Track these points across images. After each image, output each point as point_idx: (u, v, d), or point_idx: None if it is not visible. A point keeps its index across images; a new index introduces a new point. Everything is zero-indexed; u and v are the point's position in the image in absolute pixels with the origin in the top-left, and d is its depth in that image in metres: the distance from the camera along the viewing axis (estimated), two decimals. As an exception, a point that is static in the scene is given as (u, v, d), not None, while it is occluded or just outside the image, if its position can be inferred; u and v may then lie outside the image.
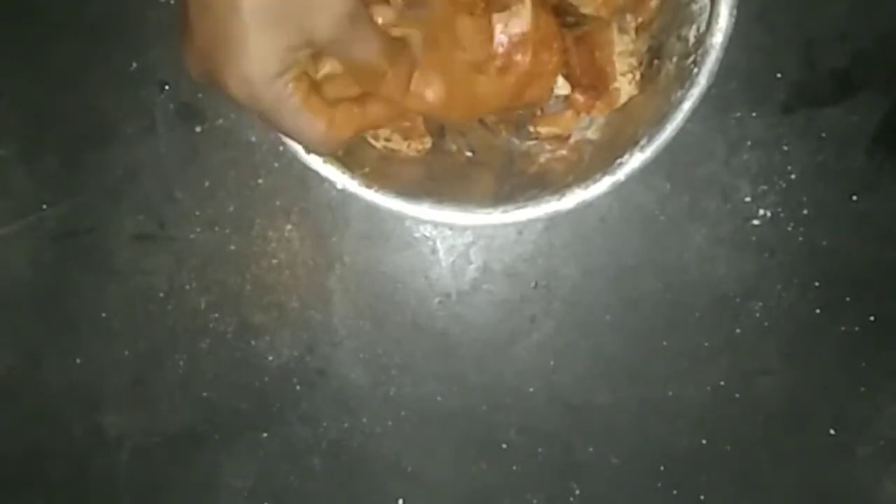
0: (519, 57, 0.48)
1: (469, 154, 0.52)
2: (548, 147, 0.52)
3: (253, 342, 0.58)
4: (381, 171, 0.48)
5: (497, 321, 0.58)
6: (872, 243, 0.59)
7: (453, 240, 0.58)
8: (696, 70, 0.46)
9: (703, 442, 0.59)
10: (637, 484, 0.59)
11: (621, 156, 0.46)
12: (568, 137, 0.51)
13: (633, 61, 0.51)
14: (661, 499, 0.59)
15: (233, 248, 0.58)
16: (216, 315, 0.58)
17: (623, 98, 0.51)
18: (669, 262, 0.58)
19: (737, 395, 0.59)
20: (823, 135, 0.58)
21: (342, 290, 0.58)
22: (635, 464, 0.59)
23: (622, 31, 0.51)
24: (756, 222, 0.58)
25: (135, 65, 0.57)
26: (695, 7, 0.47)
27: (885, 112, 0.58)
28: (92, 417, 0.58)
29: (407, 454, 0.59)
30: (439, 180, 0.49)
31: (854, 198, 0.58)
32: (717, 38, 0.46)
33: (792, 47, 0.58)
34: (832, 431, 0.59)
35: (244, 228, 0.58)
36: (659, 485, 0.59)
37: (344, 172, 0.46)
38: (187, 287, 0.58)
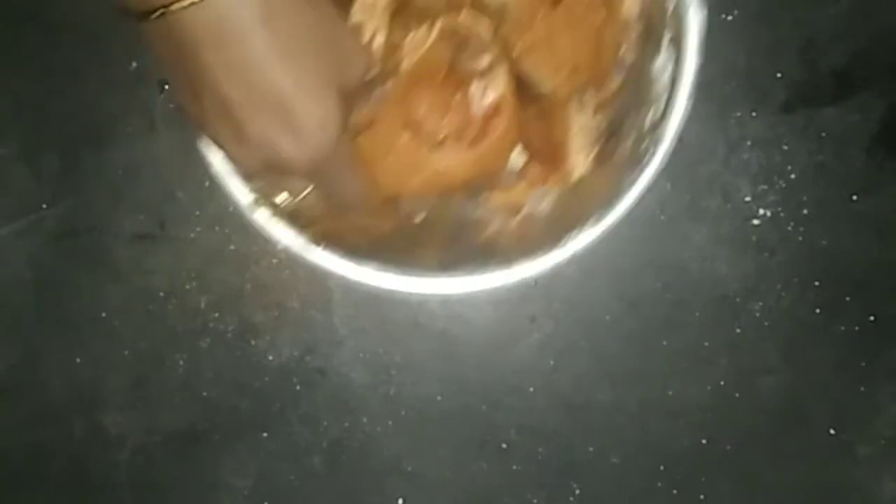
0: (494, 124, 0.48)
1: (420, 217, 0.52)
2: (499, 217, 0.52)
3: (253, 342, 0.58)
4: (332, 228, 0.47)
5: (497, 321, 0.58)
6: (872, 243, 0.59)
7: (453, 239, 0.58)
8: (649, 154, 0.46)
9: (703, 442, 0.59)
10: (637, 484, 0.59)
11: (569, 232, 0.46)
12: (520, 209, 0.51)
13: (590, 139, 0.51)
14: (661, 499, 0.59)
15: (233, 248, 0.58)
16: (216, 315, 0.58)
17: (577, 174, 0.51)
18: (669, 262, 0.58)
19: (737, 395, 0.59)
20: (823, 135, 0.58)
21: (342, 289, 0.58)
22: (635, 464, 0.59)
23: (581, 109, 0.51)
24: (756, 222, 0.58)
25: (135, 65, 0.57)
26: (654, 90, 0.48)
27: (885, 112, 0.58)
28: (92, 417, 0.58)
29: (407, 454, 0.59)
30: (389, 241, 0.50)
31: (854, 198, 0.58)
32: (673, 124, 0.46)
33: (792, 47, 0.58)
34: (832, 431, 0.59)
35: (244, 228, 0.58)
36: (659, 485, 0.59)
37: (291, 230, 0.46)
38: (187, 287, 0.58)
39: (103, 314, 0.58)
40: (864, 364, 0.59)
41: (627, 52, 0.50)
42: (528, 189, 0.52)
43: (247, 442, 0.59)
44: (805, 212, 0.58)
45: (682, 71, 0.46)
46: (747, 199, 0.58)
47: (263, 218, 0.45)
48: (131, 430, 0.59)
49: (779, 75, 0.58)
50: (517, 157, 0.52)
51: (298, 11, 0.38)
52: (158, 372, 0.58)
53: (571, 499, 0.59)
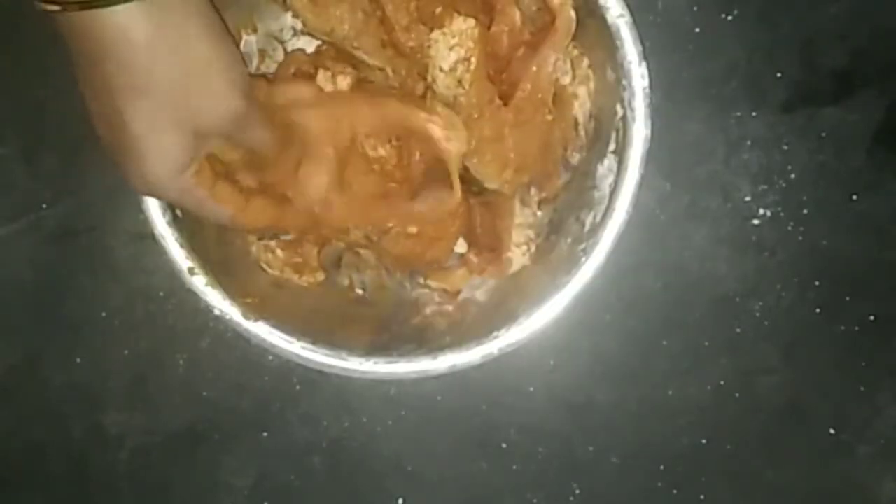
0: (431, 230, 0.49)
1: (360, 292, 0.52)
2: (436, 299, 0.52)
3: (253, 341, 0.58)
4: (268, 299, 0.48)
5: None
6: (872, 243, 0.59)
7: (453, 239, 0.58)
8: (583, 259, 0.46)
9: (703, 442, 0.59)
10: (637, 484, 0.59)
11: (498, 329, 0.46)
12: (457, 294, 0.52)
13: (531, 233, 0.52)
14: (661, 499, 0.59)
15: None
16: (216, 314, 0.58)
17: (515, 267, 0.52)
18: (669, 262, 0.58)
19: (737, 395, 0.59)
20: (823, 134, 0.58)
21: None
22: (635, 463, 0.59)
23: (524, 204, 0.52)
24: (756, 222, 0.58)
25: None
26: (596, 194, 0.48)
27: (885, 112, 0.58)
28: (92, 417, 0.58)
29: (407, 454, 0.59)
30: (325, 316, 0.50)
31: (854, 197, 0.58)
32: (611, 231, 0.46)
33: (792, 47, 0.58)
34: (832, 431, 0.59)
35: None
36: (659, 485, 0.59)
37: (225, 299, 0.47)
38: (187, 287, 0.58)
39: (103, 314, 0.58)
40: (864, 364, 0.59)
41: (574, 154, 0.51)
42: (466, 276, 0.53)
43: (247, 442, 0.59)
44: (805, 212, 0.58)
45: (623, 180, 0.46)
46: (747, 199, 0.58)
47: (199, 284, 0.46)
48: (131, 430, 0.59)
49: (779, 75, 0.58)
50: (460, 244, 0.53)
51: (183, 38, 0.38)
52: (158, 372, 0.58)
53: (571, 499, 0.59)
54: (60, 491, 0.59)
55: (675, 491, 0.59)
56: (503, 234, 0.51)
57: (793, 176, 0.58)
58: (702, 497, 0.59)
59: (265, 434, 0.59)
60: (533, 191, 0.52)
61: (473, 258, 0.53)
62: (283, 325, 0.47)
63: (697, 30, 0.58)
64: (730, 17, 0.58)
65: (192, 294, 0.58)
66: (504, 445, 0.59)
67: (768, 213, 0.58)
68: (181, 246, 0.46)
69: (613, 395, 0.59)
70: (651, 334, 0.59)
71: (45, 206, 0.58)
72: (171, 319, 0.58)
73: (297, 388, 0.59)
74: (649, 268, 0.58)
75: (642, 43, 0.46)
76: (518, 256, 0.51)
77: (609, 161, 0.48)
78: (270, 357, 0.58)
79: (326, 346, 0.47)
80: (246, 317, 0.47)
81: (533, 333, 0.46)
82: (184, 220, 0.47)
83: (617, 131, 0.47)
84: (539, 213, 0.52)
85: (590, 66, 0.49)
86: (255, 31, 0.53)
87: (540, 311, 0.46)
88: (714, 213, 0.58)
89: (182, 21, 0.38)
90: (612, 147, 0.48)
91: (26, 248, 0.58)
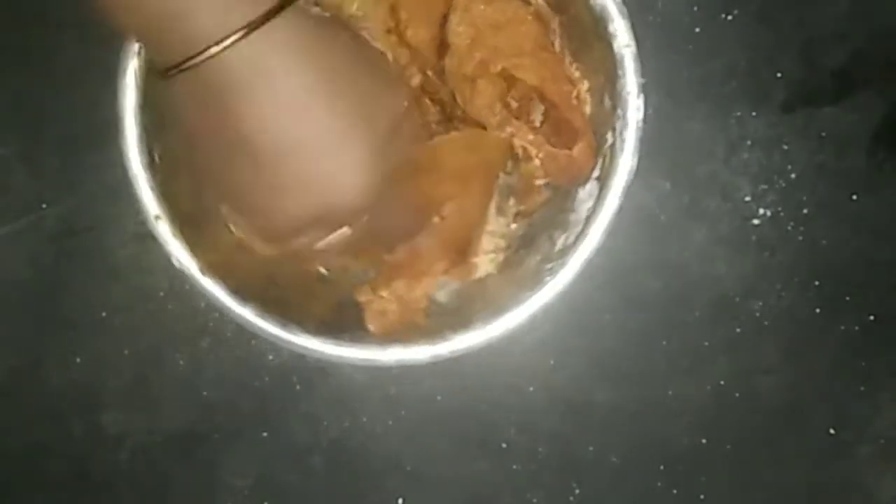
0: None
1: (323, 271, 0.52)
2: (396, 292, 0.51)
3: (253, 341, 0.58)
4: (230, 260, 0.47)
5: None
6: (873, 243, 0.59)
7: (453, 239, 0.58)
8: (548, 278, 0.46)
9: (703, 442, 0.59)
10: (637, 484, 0.59)
11: (452, 331, 0.46)
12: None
13: (502, 243, 0.52)
14: (661, 499, 0.59)
15: (233, 247, 0.58)
16: (216, 314, 0.58)
17: (479, 273, 0.51)
18: (669, 262, 0.58)
19: (737, 395, 0.59)
20: (823, 134, 0.58)
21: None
22: (635, 463, 0.59)
23: (500, 212, 0.52)
24: (756, 222, 0.58)
25: (135, 64, 0.57)
26: (572, 217, 0.48)
27: (885, 112, 0.58)
28: (92, 416, 0.58)
29: (407, 454, 0.59)
30: (283, 287, 0.49)
31: (854, 197, 0.58)
32: (580, 255, 0.46)
33: (792, 47, 0.58)
34: (832, 431, 0.59)
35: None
36: (659, 484, 0.59)
37: (186, 251, 0.46)
38: (187, 286, 0.57)
39: (103, 314, 0.58)
40: (864, 364, 0.59)
41: None
42: (432, 285, 0.52)
43: (247, 442, 0.59)
44: (805, 212, 0.58)
45: (601, 207, 0.46)
46: (747, 199, 0.58)
47: (163, 232, 0.45)
48: (131, 430, 0.59)
49: (779, 75, 0.58)
50: None
51: (329, 49, 0.36)
52: (158, 372, 0.58)
53: (571, 499, 0.59)
54: (60, 491, 0.59)
55: (675, 491, 0.59)
56: (473, 238, 0.51)
57: (793, 176, 0.58)
58: (702, 497, 0.59)
59: (265, 434, 0.59)
60: (511, 201, 0.52)
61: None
62: (238, 287, 0.46)
63: (697, 30, 0.58)
64: (730, 17, 0.58)
65: (192, 294, 0.58)
66: (504, 445, 0.59)
67: (768, 213, 0.58)
68: (151, 190, 0.45)
69: (613, 395, 0.59)
70: (651, 334, 0.59)
71: (45, 206, 0.58)
72: (171, 319, 0.58)
73: (297, 388, 0.59)
74: (649, 268, 0.58)
75: (643, 75, 0.46)
76: (484, 263, 0.51)
77: (591, 186, 0.48)
78: (271, 357, 0.58)
79: (279, 317, 0.46)
80: (203, 273, 0.45)
81: (485, 342, 0.46)
82: (160, 167, 0.45)
83: (604, 158, 0.47)
84: (513, 225, 0.52)
85: (588, 90, 0.49)
86: None
87: (497, 322, 0.46)
88: (714, 213, 0.58)
89: (292, 67, 0.34)
90: (596, 173, 0.48)
91: (26, 248, 0.58)
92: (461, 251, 0.51)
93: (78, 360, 0.58)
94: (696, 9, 0.57)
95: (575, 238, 0.46)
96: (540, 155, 0.49)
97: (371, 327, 0.48)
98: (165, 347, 0.58)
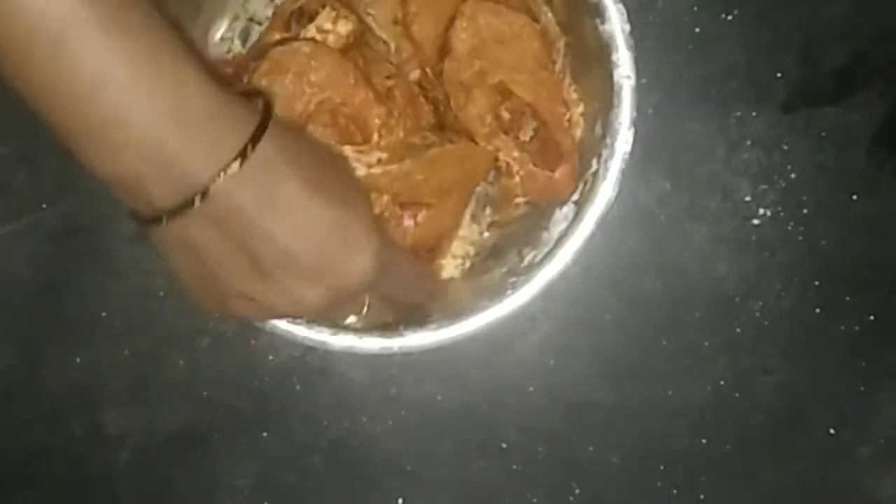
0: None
1: None
2: None
3: (253, 341, 0.58)
4: None
5: (497, 321, 0.58)
6: (872, 243, 0.59)
7: (453, 239, 0.58)
8: (510, 292, 0.46)
9: (703, 442, 0.59)
10: (637, 484, 0.59)
11: (406, 328, 0.46)
12: None
13: (472, 250, 0.52)
14: (661, 499, 0.59)
15: (233, 247, 0.58)
16: (216, 314, 0.58)
17: (444, 275, 0.51)
18: (669, 262, 0.58)
19: (737, 395, 0.59)
20: (823, 134, 0.58)
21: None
22: (635, 463, 0.59)
23: (475, 220, 0.52)
24: (756, 222, 0.58)
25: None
26: (545, 235, 0.48)
27: (885, 112, 0.58)
28: (92, 417, 0.58)
29: (407, 454, 0.59)
30: None
31: (854, 197, 0.58)
32: (544, 275, 0.46)
33: (792, 47, 0.58)
34: (832, 431, 0.59)
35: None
36: (659, 485, 0.59)
37: None
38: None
39: (103, 314, 0.58)
40: (864, 364, 0.59)
41: None
42: None
43: (247, 442, 0.59)
44: (805, 212, 0.58)
45: (574, 231, 0.46)
46: (747, 198, 0.58)
47: None
48: (131, 430, 0.59)
49: (779, 75, 0.58)
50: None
51: (312, 151, 0.39)
52: (158, 372, 0.58)
53: (571, 499, 0.59)
54: (60, 491, 0.59)
55: (675, 491, 0.59)
56: (443, 239, 0.51)
57: (793, 176, 0.58)
58: (702, 497, 0.59)
59: (265, 434, 0.59)
60: (488, 211, 0.52)
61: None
62: None
63: (697, 30, 0.58)
64: (730, 17, 0.58)
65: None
66: (504, 445, 0.59)
67: (768, 213, 0.58)
68: None
69: (613, 394, 0.59)
70: (651, 334, 0.59)
71: (45, 206, 0.58)
72: (171, 319, 0.58)
73: (297, 388, 0.59)
74: (649, 268, 0.58)
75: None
76: (450, 266, 0.51)
77: (568, 209, 0.48)
78: (271, 357, 0.58)
79: None
80: None
81: (435, 343, 0.46)
82: None
83: (585, 183, 0.47)
84: (486, 234, 0.52)
85: (582, 114, 0.50)
86: None
87: (451, 326, 0.46)
88: (714, 213, 0.58)
89: (288, 183, 0.36)
90: (575, 196, 0.48)
91: (26, 248, 0.58)
92: (431, 251, 0.51)
93: (78, 360, 0.58)
94: (696, 9, 0.57)
95: (543, 257, 0.47)
96: (521, 172, 0.49)
97: None
98: (165, 347, 0.58)
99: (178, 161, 0.34)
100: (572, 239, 0.46)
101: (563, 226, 0.47)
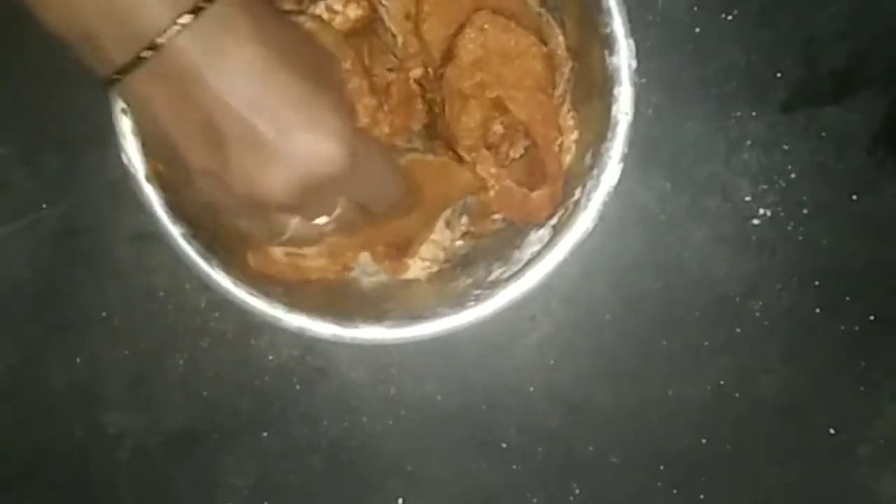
0: None
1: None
2: (324, 266, 0.51)
3: (253, 341, 0.58)
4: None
5: (497, 321, 0.58)
6: (872, 243, 0.59)
7: (453, 239, 0.58)
8: (472, 303, 0.46)
9: (703, 442, 0.59)
10: (637, 484, 0.59)
11: (363, 320, 0.46)
12: (344, 269, 0.51)
13: (441, 256, 0.52)
14: (661, 499, 0.59)
15: (233, 247, 0.58)
16: (216, 314, 0.58)
17: (409, 275, 0.51)
18: (669, 262, 0.58)
19: (737, 395, 0.59)
20: (823, 134, 0.58)
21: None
22: (635, 463, 0.59)
23: (449, 226, 0.52)
24: (756, 222, 0.58)
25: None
26: (516, 254, 0.48)
27: (886, 112, 0.58)
28: (92, 416, 0.58)
29: (407, 454, 0.59)
30: (230, 236, 0.48)
31: (854, 197, 0.58)
32: (508, 293, 0.46)
33: (792, 47, 0.58)
34: (832, 431, 0.59)
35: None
36: (659, 484, 0.59)
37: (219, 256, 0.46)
38: (187, 286, 0.58)
39: (103, 314, 0.58)
40: (864, 364, 0.59)
41: None
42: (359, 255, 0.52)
43: (247, 442, 0.59)
44: (805, 212, 0.58)
45: (545, 255, 0.46)
46: (747, 199, 0.58)
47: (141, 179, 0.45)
48: (131, 430, 0.59)
49: (779, 75, 0.58)
50: None
51: (280, 24, 0.37)
52: (158, 372, 0.58)
53: (571, 499, 0.59)
54: (60, 491, 0.59)
55: (675, 491, 0.59)
56: (414, 240, 0.51)
57: (793, 176, 0.58)
58: (702, 497, 0.59)
59: (265, 434, 0.59)
60: (464, 219, 0.52)
61: (379, 246, 0.52)
62: (194, 238, 0.45)
63: (697, 30, 0.58)
64: (730, 17, 0.58)
65: (192, 294, 0.58)
66: (504, 445, 0.59)
67: (768, 213, 0.58)
68: (154, 190, 0.45)
69: (613, 394, 0.59)
70: (651, 334, 0.59)
71: (45, 206, 0.58)
72: (171, 319, 0.58)
73: (297, 388, 0.59)
74: (649, 268, 0.58)
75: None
76: (417, 268, 0.51)
77: (544, 232, 0.48)
78: (271, 357, 0.58)
79: (220, 261, 0.45)
80: (173, 221, 0.45)
81: (385, 341, 0.46)
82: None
83: (565, 210, 0.47)
84: (459, 242, 0.52)
85: (575, 142, 0.50)
86: None
87: (405, 328, 0.46)
88: (714, 213, 0.58)
89: (240, 49, 0.34)
90: (553, 221, 0.48)
91: (26, 248, 0.58)
92: (398, 249, 0.51)
93: (78, 360, 0.58)
94: (696, 9, 0.57)
95: (510, 275, 0.46)
96: (496, 187, 0.49)
97: (251, 260, 0.48)
98: (165, 347, 0.58)
99: (132, 14, 0.33)
100: (543, 262, 0.46)
101: (536, 248, 0.47)
